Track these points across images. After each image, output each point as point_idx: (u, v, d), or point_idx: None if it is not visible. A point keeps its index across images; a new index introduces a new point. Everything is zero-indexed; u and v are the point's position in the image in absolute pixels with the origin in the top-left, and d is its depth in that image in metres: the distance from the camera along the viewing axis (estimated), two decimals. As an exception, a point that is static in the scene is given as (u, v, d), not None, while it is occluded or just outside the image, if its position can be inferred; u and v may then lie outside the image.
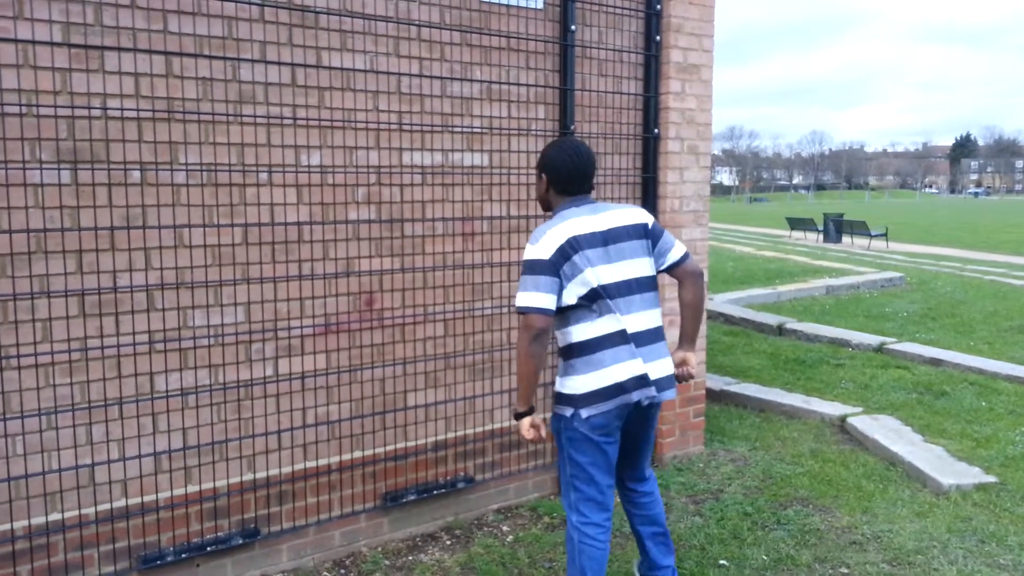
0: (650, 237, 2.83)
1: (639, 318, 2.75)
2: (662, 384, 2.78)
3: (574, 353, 2.74)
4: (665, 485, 4.31)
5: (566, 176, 2.79)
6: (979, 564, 3.43)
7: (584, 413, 2.72)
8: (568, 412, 2.75)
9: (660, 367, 2.78)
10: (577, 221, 2.71)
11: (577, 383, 2.72)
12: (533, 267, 2.66)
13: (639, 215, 2.83)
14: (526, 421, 2.78)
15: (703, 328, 4.78)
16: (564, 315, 2.73)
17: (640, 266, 2.78)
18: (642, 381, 2.72)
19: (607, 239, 2.72)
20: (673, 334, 4.56)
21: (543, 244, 2.66)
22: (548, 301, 2.64)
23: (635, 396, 2.72)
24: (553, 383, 2.88)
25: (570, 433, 2.77)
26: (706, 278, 4.74)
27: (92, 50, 2.87)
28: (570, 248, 2.65)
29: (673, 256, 2.87)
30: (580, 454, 2.78)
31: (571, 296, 2.67)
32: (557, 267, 2.64)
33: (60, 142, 2.85)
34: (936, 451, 4.67)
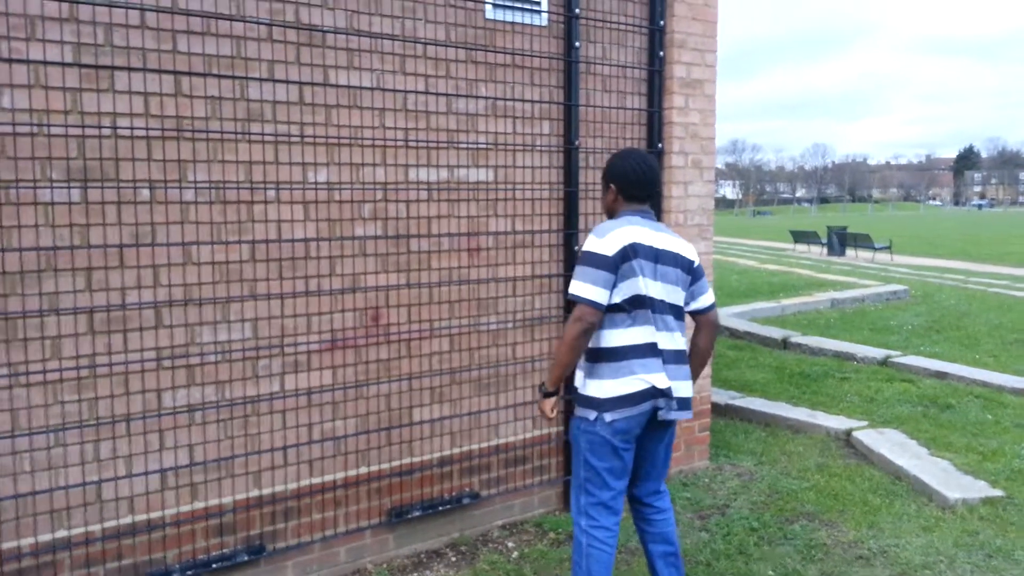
0: (691, 275, 2.92)
1: (670, 338, 2.82)
2: (682, 404, 2.84)
3: (603, 357, 2.78)
4: (671, 500, 4.30)
5: (635, 182, 2.88)
6: (987, 579, 3.42)
7: (608, 417, 2.75)
8: (592, 415, 2.79)
9: (682, 387, 2.84)
10: (639, 230, 2.79)
11: (604, 387, 2.76)
12: (595, 261, 2.72)
13: (690, 250, 2.94)
14: (551, 401, 2.92)
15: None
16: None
17: (678, 294, 2.87)
18: (667, 393, 2.77)
19: (659, 258, 2.80)
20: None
21: (609, 240, 2.73)
22: (602, 296, 2.71)
23: (659, 404, 2.77)
24: (574, 388, 2.93)
25: (590, 436, 2.80)
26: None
27: (102, 70, 2.90)
28: (632, 251, 2.73)
29: (703, 302, 2.97)
30: (597, 459, 2.81)
31: (617, 296, 2.73)
32: (616, 266, 2.71)
33: (70, 161, 2.88)
34: (942, 465, 4.66)
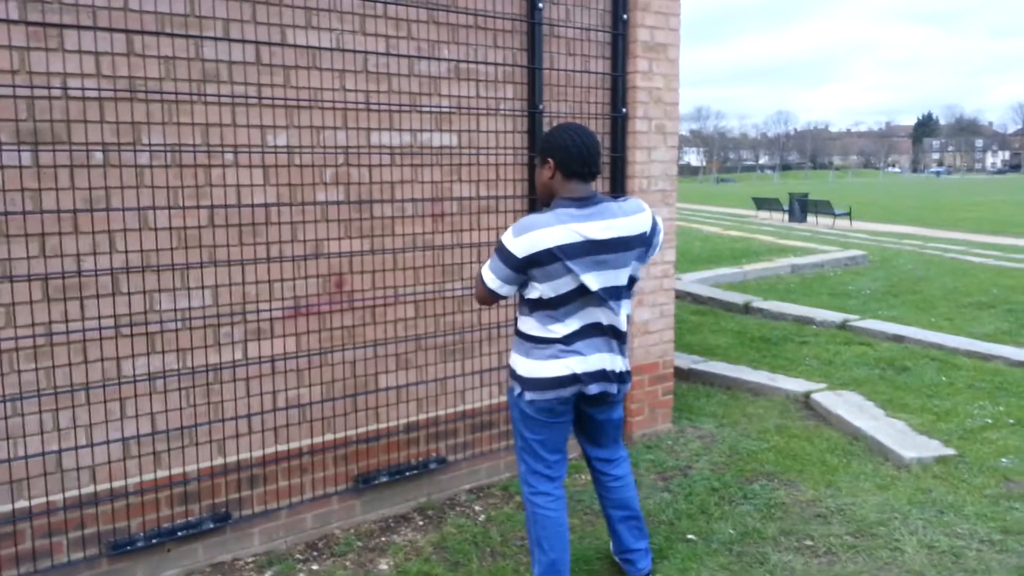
0: (647, 244, 2.76)
1: (604, 315, 2.74)
2: (619, 377, 2.82)
3: (529, 340, 2.76)
4: (634, 463, 4.36)
5: (575, 156, 2.66)
6: (938, 534, 3.53)
7: (528, 396, 2.75)
8: (516, 390, 2.80)
9: (616, 362, 2.80)
10: (570, 228, 2.59)
11: (528, 366, 2.75)
12: (503, 257, 2.65)
13: (642, 222, 2.73)
14: None
15: (671, 307, 4.83)
16: (528, 304, 2.74)
17: (621, 277, 2.72)
18: (583, 379, 2.73)
19: (600, 249, 2.63)
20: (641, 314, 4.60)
21: (521, 243, 2.59)
22: (502, 289, 2.71)
23: (586, 388, 2.75)
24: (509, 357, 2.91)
25: (518, 409, 2.82)
26: (673, 258, 4.78)
27: (51, 28, 2.80)
28: (547, 258, 2.58)
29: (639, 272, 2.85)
30: (528, 431, 2.83)
31: (535, 293, 2.68)
32: (524, 269, 2.63)
33: (20, 123, 2.78)
34: (898, 425, 4.77)
